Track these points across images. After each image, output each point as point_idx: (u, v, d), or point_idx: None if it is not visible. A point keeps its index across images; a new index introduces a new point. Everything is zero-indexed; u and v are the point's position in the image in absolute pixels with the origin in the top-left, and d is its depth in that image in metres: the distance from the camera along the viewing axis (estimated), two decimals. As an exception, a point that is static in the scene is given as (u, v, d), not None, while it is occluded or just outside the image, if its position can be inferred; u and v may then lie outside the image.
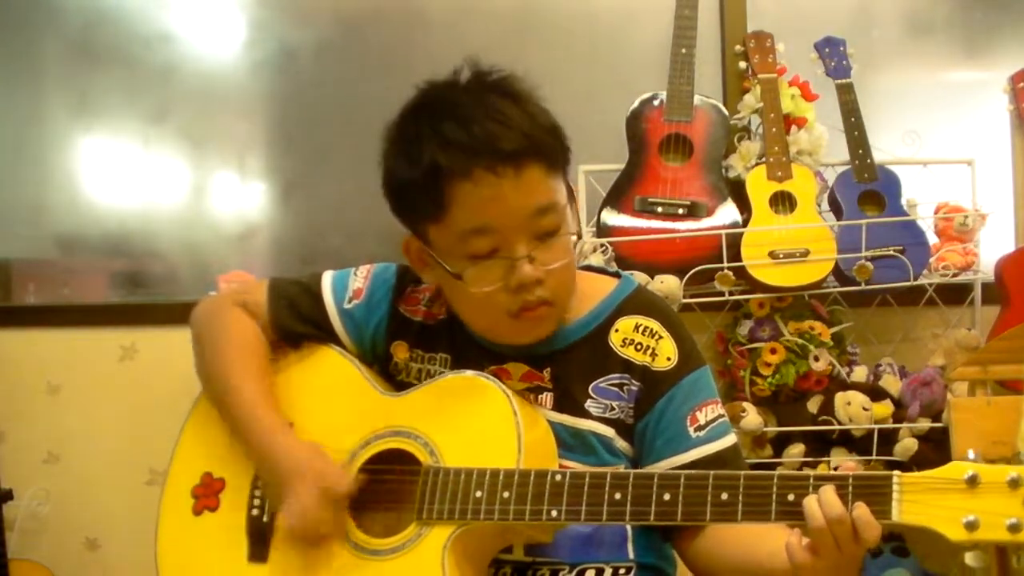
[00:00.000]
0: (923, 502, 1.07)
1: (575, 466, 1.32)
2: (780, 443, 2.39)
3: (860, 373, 2.43)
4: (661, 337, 1.38)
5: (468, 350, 1.40)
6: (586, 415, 1.36)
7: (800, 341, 2.38)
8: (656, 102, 2.48)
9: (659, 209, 2.40)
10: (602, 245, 2.35)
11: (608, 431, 1.36)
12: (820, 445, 2.37)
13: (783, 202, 2.39)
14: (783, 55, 2.53)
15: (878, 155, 2.46)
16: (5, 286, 2.82)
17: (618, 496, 1.21)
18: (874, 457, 2.34)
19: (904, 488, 1.08)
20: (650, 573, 1.39)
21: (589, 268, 1.48)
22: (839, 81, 2.50)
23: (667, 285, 2.30)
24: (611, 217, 2.41)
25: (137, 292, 2.82)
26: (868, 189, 2.44)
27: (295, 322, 1.47)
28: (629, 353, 1.37)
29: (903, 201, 2.44)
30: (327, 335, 1.47)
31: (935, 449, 2.30)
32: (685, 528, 1.35)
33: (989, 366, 2.08)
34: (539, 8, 2.77)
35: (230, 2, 2.83)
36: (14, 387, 2.67)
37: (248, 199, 2.85)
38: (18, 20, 2.79)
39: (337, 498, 1.30)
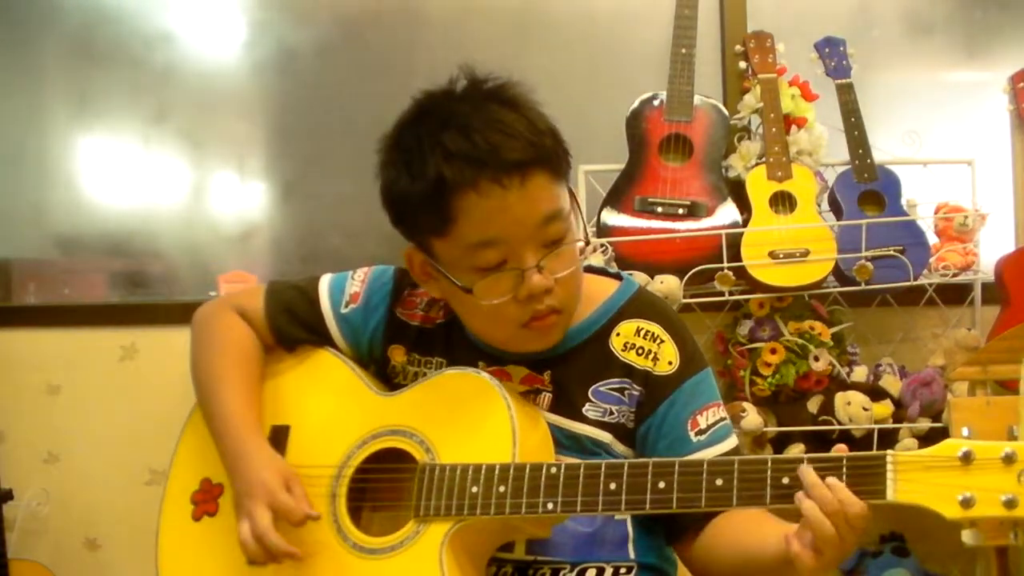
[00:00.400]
0: (917, 480, 1.06)
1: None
2: (780, 443, 2.39)
3: (860, 373, 2.43)
4: (663, 341, 1.38)
5: (466, 354, 1.40)
6: (582, 419, 1.36)
7: (800, 341, 2.38)
8: (656, 102, 2.48)
9: (659, 209, 2.40)
10: (602, 245, 2.35)
11: (604, 436, 1.36)
12: (820, 445, 2.37)
13: (783, 202, 2.39)
14: (783, 55, 2.53)
15: (878, 155, 2.46)
16: (5, 286, 2.82)
17: (613, 486, 1.21)
18: (874, 457, 2.34)
19: (898, 467, 1.08)
20: (651, 573, 1.39)
21: (590, 269, 1.48)
22: (839, 81, 2.50)
23: (667, 285, 2.30)
24: (611, 217, 2.41)
25: (137, 292, 2.82)
26: (868, 189, 2.44)
27: (292, 327, 1.48)
28: (630, 357, 1.37)
29: (903, 201, 2.44)
30: (324, 340, 1.47)
31: (935, 449, 2.30)
32: (685, 529, 1.35)
33: (989, 366, 2.08)
34: (539, 8, 2.77)
35: (230, 2, 2.83)
36: (14, 387, 2.67)
37: (248, 199, 2.85)
38: (18, 20, 2.79)
39: (294, 525, 1.30)
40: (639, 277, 2.25)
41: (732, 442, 1.37)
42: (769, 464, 1.15)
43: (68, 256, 2.86)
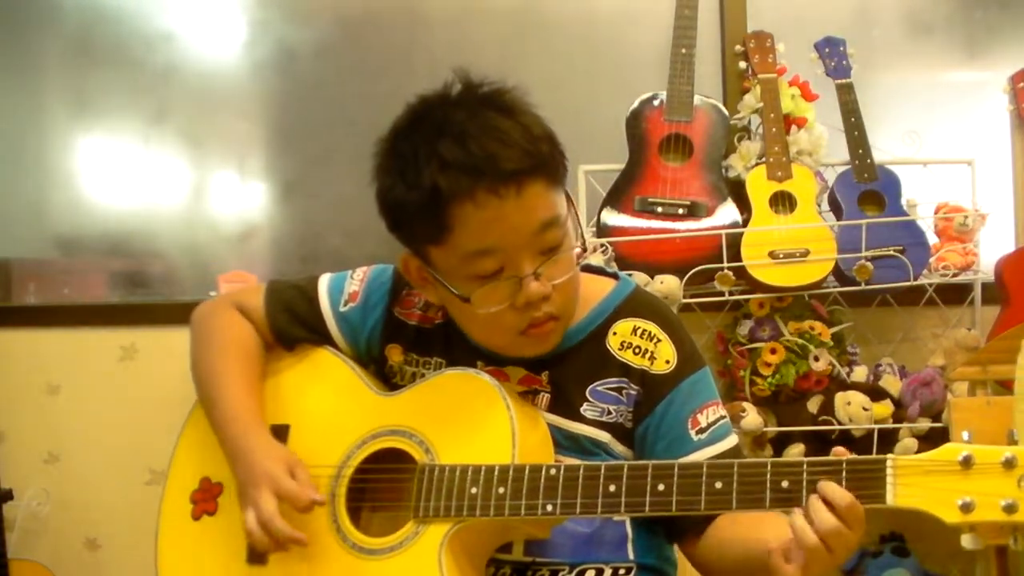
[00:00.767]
0: (917, 485, 1.06)
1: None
2: (780, 443, 2.39)
3: (860, 373, 2.43)
4: (659, 340, 1.38)
5: (464, 354, 1.39)
6: (580, 419, 1.36)
7: (800, 341, 2.38)
8: (656, 102, 2.48)
9: (659, 209, 2.40)
10: (602, 245, 2.35)
11: (603, 436, 1.36)
12: (820, 445, 2.37)
13: (783, 202, 2.39)
14: (783, 55, 2.53)
15: (878, 155, 2.46)
16: (5, 286, 2.82)
17: (612, 488, 1.20)
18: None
19: (898, 471, 1.07)
20: (650, 574, 1.39)
21: (586, 268, 1.46)
22: (839, 81, 2.50)
23: (667, 285, 2.30)
24: (611, 217, 2.41)
25: (137, 292, 2.82)
26: (868, 189, 2.44)
27: (291, 326, 1.48)
28: (627, 357, 1.37)
29: (903, 201, 2.44)
30: (323, 338, 1.47)
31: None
32: (689, 529, 1.35)
33: (989, 366, 2.08)
34: (539, 8, 2.77)
35: (230, 2, 2.83)
36: (14, 387, 2.67)
37: (248, 199, 2.85)
38: (18, 20, 2.79)
39: (299, 510, 1.29)
40: (639, 277, 2.25)
41: (732, 440, 1.37)
42: (769, 467, 1.14)
43: (68, 256, 2.86)
